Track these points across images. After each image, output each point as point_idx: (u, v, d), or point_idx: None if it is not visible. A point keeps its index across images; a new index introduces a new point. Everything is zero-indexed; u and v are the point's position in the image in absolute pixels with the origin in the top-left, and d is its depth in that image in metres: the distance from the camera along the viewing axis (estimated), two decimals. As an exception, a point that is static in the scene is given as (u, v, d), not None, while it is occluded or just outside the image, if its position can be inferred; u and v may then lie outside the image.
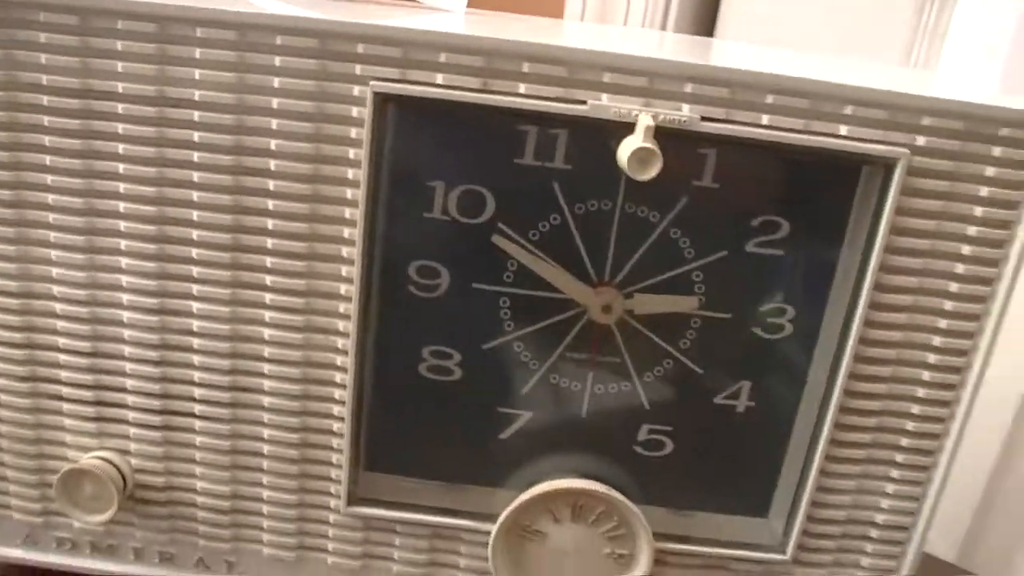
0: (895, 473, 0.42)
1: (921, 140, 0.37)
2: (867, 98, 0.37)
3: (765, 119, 0.37)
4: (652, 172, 0.36)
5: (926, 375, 0.40)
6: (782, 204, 0.39)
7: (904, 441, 0.41)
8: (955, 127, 0.37)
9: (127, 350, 0.41)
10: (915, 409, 0.41)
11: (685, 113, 0.37)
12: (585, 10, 0.85)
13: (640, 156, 0.35)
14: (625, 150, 0.36)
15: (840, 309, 0.40)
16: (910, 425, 0.41)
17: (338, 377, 0.41)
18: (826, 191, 0.39)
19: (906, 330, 0.40)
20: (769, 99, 0.37)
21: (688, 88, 0.37)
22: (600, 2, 0.86)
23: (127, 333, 0.41)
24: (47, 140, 0.39)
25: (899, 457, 0.41)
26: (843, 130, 0.37)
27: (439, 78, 0.37)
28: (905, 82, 0.40)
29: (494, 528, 0.41)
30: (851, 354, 0.39)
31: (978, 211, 0.38)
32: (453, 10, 0.46)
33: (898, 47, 0.65)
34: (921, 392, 0.40)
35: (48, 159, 0.39)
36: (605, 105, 0.37)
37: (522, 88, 0.37)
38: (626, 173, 0.36)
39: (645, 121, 0.36)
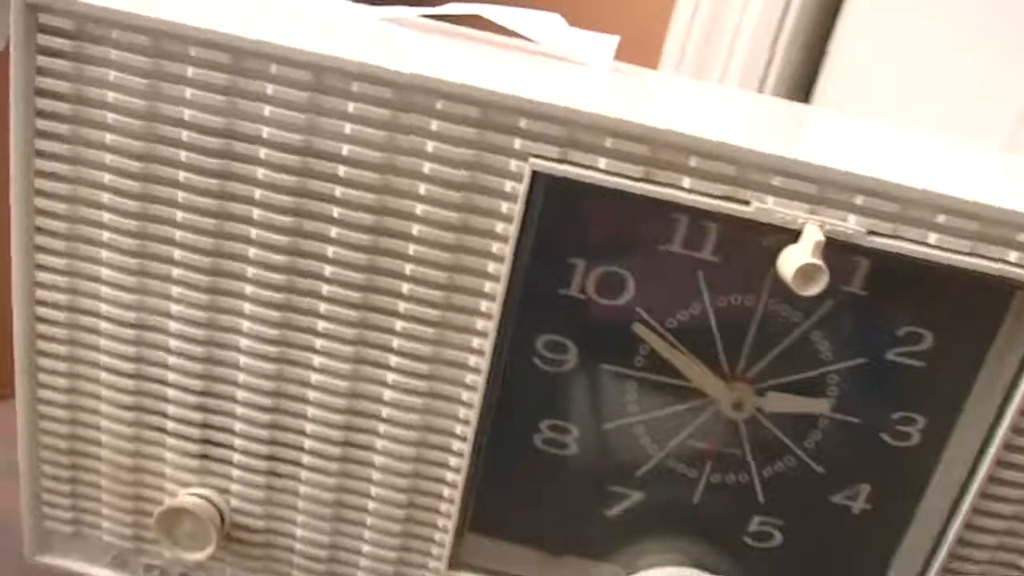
0: (1008, 591, 0.41)
1: (1089, 274, 0.36)
2: (1042, 229, 0.36)
3: (932, 238, 0.36)
4: (818, 288, 0.34)
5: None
6: (929, 316, 0.38)
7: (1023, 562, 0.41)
8: None
9: (240, 394, 0.40)
10: (1035, 542, 0.40)
11: (852, 225, 0.36)
12: (683, 60, 0.83)
13: (806, 271, 0.34)
14: (790, 263, 0.35)
15: (975, 426, 0.39)
16: (1028, 555, 0.40)
17: (455, 445, 0.40)
18: (977, 309, 0.38)
19: (1042, 461, 0.39)
20: (940, 219, 0.36)
21: (858, 200, 0.36)
22: (699, 56, 0.83)
23: (242, 377, 0.40)
24: (181, 176, 0.37)
25: (1015, 576, 0.41)
26: (1012, 256, 0.36)
27: (602, 162, 0.36)
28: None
29: (597, 609, 0.41)
30: (985, 476, 0.39)
31: None
32: (596, 66, 0.44)
33: (1001, 125, 0.63)
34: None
35: (180, 195, 0.38)
36: (771, 209, 0.36)
37: (686, 182, 0.36)
38: (789, 285, 0.35)
39: (814, 235, 0.35)
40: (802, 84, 0.88)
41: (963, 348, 0.38)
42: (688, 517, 0.42)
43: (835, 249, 0.36)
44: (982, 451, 0.38)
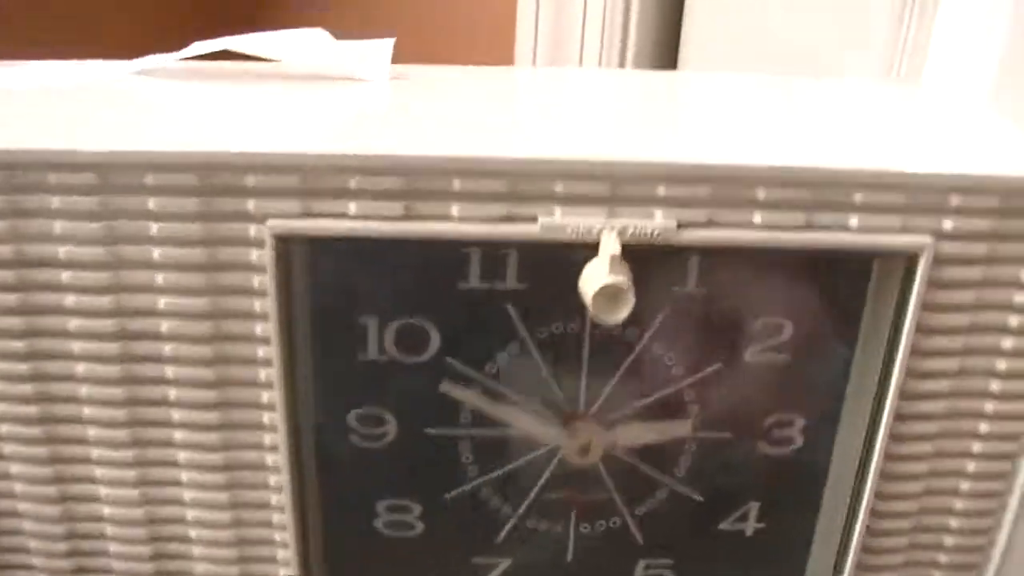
0: (934, 589, 0.36)
1: (948, 224, 0.30)
2: (882, 182, 0.30)
3: (757, 217, 0.30)
4: (623, 312, 0.29)
5: (964, 485, 0.34)
6: (783, 303, 0.33)
7: (942, 558, 0.35)
8: (990, 204, 0.30)
9: (32, 543, 0.35)
10: (953, 523, 0.35)
11: (658, 222, 0.30)
12: (536, 50, 0.76)
13: (608, 294, 0.29)
14: (590, 284, 0.29)
15: (858, 416, 0.34)
16: (948, 540, 0.35)
17: (280, 554, 0.35)
18: (834, 285, 0.33)
19: (940, 438, 0.33)
20: (761, 194, 0.30)
21: (660, 191, 0.30)
22: (552, 42, 0.77)
23: (27, 525, 0.35)
24: None
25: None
26: (853, 220, 0.30)
27: (352, 207, 0.30)
28: (926, 152, 0.33)
29: None
30: (876, 469, 0.33)
31: (1020, 297, 0.32)
32: (372, 79, 0.38)
33: (876, 59, 0.57)
34: (959, 504, 0.34)
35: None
36: (559, 224, 0.30)
37: (455, 210, 0.30)
38: (591, 312, 0.29)
39: (610, 247, 0.29)
40: (666, 55, 0.81)
41: (828, 332, 0.33)
42: (566, 575, 0.36)
43: (652, 250, 0.30)
44: (870, 442, 0.33)
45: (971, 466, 0.34)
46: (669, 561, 0.36)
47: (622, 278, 0.29)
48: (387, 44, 0.40)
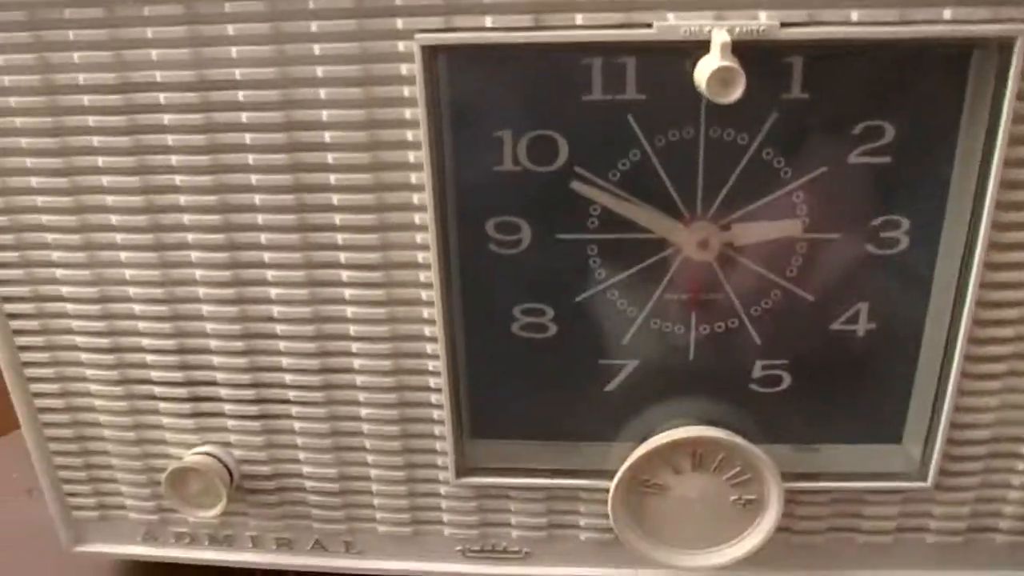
0: (1042, 382, 0.38)
1: (1041, 13, 0.32)
2: (973, -27, 0.32)
3: (855, 15, 0.33)
4: (736, 93, 0.32)
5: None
6: (883, 106, 0.35)
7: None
8: (1084, -10, 0.32)
9: (212, 343, 0.40)
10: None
11: (763, 21, 0.33)
12: None
13: (721, 77, 0.32)
14: (703, 72, 0.32)
15: (961, 214, 0.36)
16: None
17: (429, 348, 0.39)
18: (932, 84, 0.35)
19: (1042, 230, 0.35)
20: (858, -9, 0.33)
21: (764, -8, 0.33)
22: None
23: (209, 326, 0.40)
24: (96, 140, 0.37)
25: (1045, 365, 0.38)
26: (947, 13, 0.33)
27: (488, 20, 0.34)
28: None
29: (611, 486, 0.39)
30: (981, 262, 0.35)
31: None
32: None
33: None
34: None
35: (100, 160, 0.38)
36: (673, 25, 0.33)
37: (579, 19, 0.34)
38: (707, 97, 0.32)
39: (720, 38, 0.32)
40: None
41: (929, 131, 0.35)
42: (688, 375, 0.40)
43: (758, 53, 0.33)
44: (972, 240, 0.35)
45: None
46: (785, 361, 0.39)
47: (732, 62, 0.32)
48: None
